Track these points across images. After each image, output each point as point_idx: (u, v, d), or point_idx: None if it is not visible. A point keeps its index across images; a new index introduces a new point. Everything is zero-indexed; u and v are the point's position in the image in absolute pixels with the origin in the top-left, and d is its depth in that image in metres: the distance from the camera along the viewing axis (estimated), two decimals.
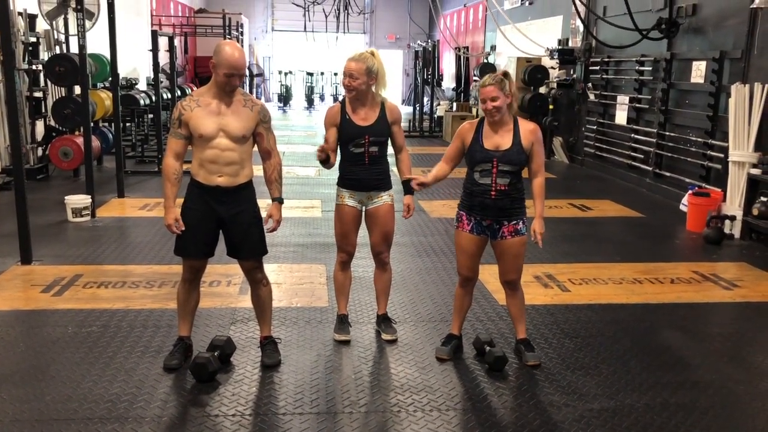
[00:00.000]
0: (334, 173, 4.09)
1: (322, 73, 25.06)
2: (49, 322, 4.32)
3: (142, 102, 11.50)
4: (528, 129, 3.69)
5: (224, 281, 5.09)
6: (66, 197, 7.01)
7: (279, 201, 3.68)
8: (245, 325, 4.31)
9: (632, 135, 9.70)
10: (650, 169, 9.16)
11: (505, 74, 3.65)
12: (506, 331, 4.30)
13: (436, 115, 17.00)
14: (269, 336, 3.86)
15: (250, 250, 3.66)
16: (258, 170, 3.55)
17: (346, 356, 3.93)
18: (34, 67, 9.29)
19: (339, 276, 4.16)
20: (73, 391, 3.43)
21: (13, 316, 4.44)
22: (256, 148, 3.66)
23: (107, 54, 8.47)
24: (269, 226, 3.67)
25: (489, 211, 3.70)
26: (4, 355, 3.86)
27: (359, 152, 3.90)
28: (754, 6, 6.82)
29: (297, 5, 20.67)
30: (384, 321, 4.22)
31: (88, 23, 8.36)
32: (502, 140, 3.65)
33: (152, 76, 10.84)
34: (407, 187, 4.03)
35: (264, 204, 3.65)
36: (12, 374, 3.61)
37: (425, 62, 17.18)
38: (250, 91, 22.90)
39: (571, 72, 11.96)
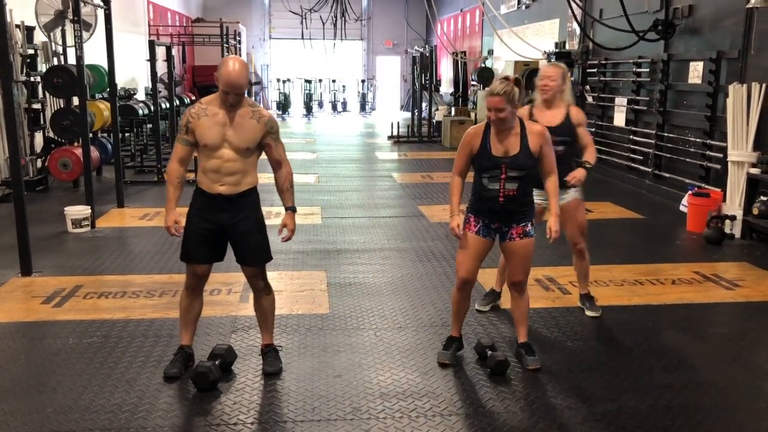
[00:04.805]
0: (331, 180, 4.09)
1: (320, 81, 25.09)
2: (50, 334, 4.31)
3: (140, 112, 11.51)
4: (535, 131, 3.66)
5: (225, 289, 5.08)
6: (66, 208, 7.00)
7: (292, 210, 3.68)
8: (246, 333, 4.30)
9: (631, 136, 9.71)
10: (650, 170, 9.16)
11: (517, 81, 3.60)
12: (508, 334, 4.29)
13: (434, 120, 17.02)
14: (270, 344, 3.85)
15: (252, 258, 3.66)
16: (266, 178, 3.53)
17: (347, 363, 3.91)
18: (32, 78, 9.30)
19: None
20: (75, 403, 3.42)
21: (14, 327, 4.43)
22: (264, 156, 3.65)
23: (105, 65, 8.49)
24: (283, 235, 3.67)
25: (497, 216, 3.69)
26: (5, 367, 3.85)
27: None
28: (750, 6, 6.82)
29: (294, 13, 20.70)
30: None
31: (85, 34, 8.36)
32: (510, 145, 3.62)
33: (150, 86, 10.86)
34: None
35: (266, 211, 3.64)
36: (13, 386, 3.60)
37: (423, 67, 17.21)
38: None
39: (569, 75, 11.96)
